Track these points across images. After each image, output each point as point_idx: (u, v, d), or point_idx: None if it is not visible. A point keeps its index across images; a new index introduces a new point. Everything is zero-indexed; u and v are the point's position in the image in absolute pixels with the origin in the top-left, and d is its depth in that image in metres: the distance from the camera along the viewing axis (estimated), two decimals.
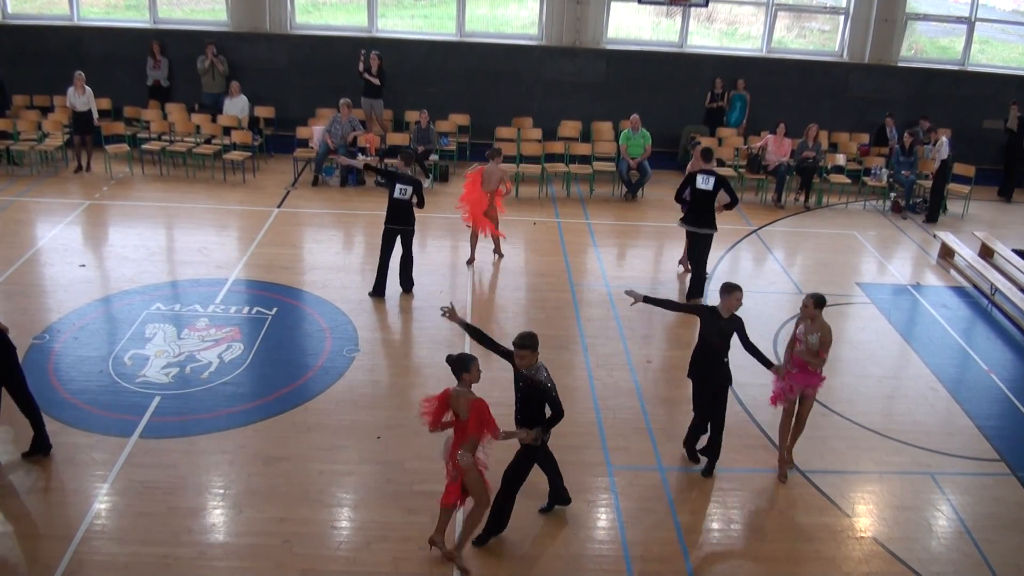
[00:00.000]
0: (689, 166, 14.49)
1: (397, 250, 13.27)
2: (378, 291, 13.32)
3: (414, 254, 13.45)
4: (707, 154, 13.87)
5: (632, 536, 8.67)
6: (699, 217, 13.53)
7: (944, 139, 18.10)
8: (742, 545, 8.76)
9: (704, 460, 9.74)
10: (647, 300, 9.37)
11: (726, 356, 9.32)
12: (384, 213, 13.14)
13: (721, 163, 19.22)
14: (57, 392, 10.45)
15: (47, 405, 10.04)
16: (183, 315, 12.48)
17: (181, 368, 11.10)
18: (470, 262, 14.65)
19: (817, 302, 9.16)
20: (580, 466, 9.61)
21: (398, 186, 12.85)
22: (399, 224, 13.09)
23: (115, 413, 10.09)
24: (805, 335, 9.27)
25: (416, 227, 13.31)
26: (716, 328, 9.20)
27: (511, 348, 7.89)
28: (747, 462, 9.93)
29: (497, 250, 15.03)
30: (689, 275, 14.21)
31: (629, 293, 9.46)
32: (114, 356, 11.28)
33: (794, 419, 9.57)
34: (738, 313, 9.20)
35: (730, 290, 9.13)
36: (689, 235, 13.91)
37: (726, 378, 9.43)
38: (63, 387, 10.56)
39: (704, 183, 13.39)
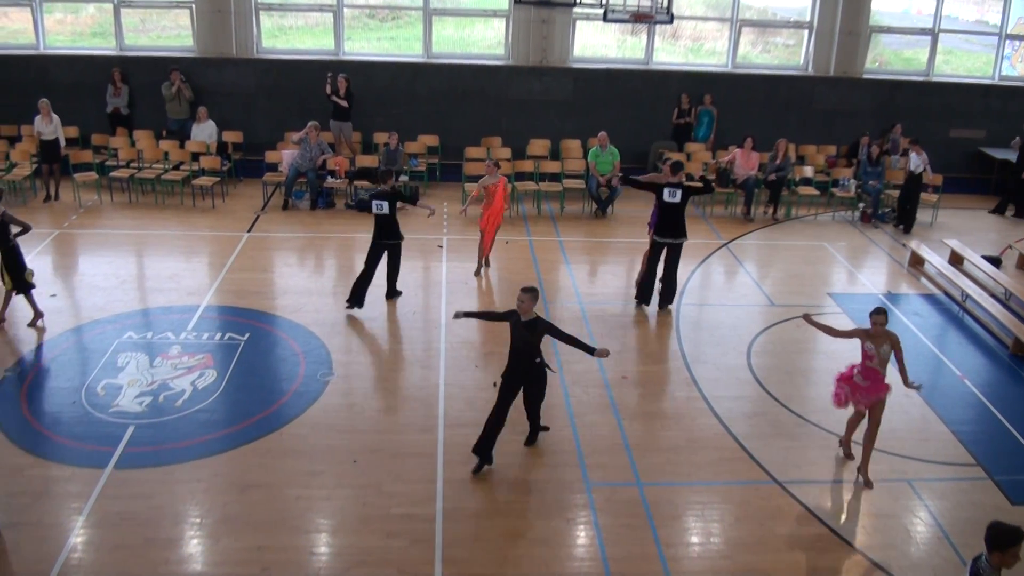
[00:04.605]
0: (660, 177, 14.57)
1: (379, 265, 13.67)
2: (358, 301, 13.55)
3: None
4: (676, 167, 13.92)
5: (612, 553, 8.65)
6: (670, 228, 13.72)
7: (913, 154, 18.19)
8: (722, 558, 8.75)
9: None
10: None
11: (537, 357, 9.66)
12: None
13: (690, 178, 19.31)
14: (31, 425, 10.31)
15: (21, 438, 9.95)
16: (155, 343, 12.38)
17: (154, 397, 10.99)
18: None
19: (884, 315, 9.54)
20: (558, 484, 9.60)
21: (375, 203, 13.22)
22: (385, 239, 13.46)
23: (89, 444, 9.97)
24: (876, 349, 9.52)
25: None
26: (519, 332, 9.59)
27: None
28: (724, 475, 9.95)
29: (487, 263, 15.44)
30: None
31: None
32: (87, 386, 11.15)
33: (867, 428, 9.85)
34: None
35: (524, 291, 9.64)
36: (664, 246, 13.93)
37: (538, 378, 9.81)
38: (37, 420, 10.43)
39: (671, 196, 13.52)
